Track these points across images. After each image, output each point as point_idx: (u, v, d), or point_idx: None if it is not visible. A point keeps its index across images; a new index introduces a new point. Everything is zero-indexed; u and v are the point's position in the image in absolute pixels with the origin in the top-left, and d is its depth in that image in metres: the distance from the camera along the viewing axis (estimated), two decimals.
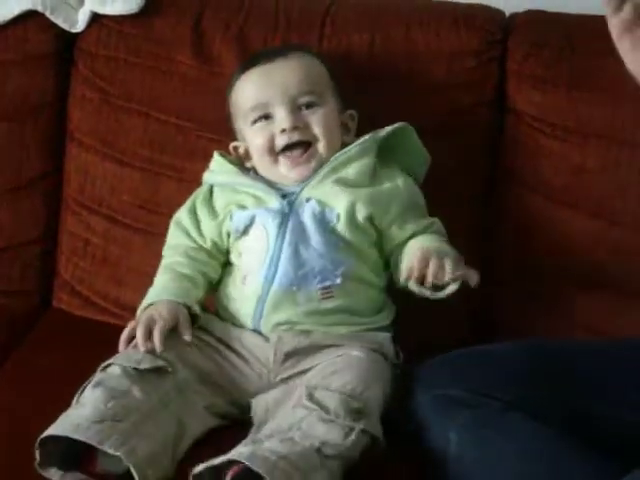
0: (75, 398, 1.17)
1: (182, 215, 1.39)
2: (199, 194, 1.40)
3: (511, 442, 1.12)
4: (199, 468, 1.06)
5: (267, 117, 1.33)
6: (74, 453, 1.09)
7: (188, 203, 1.40)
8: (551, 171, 1.45)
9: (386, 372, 1.25)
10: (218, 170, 1.39)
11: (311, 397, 1.15)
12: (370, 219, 1.31)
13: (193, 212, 1.38)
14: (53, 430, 1.10)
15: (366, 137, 1.35)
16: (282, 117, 1.32)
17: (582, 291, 1.44)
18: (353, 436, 1.10)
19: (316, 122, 1.33)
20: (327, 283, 1.29)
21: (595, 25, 1.49)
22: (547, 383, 1.19)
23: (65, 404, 1.22)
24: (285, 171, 1.34)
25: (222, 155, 1.40)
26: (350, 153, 1.33)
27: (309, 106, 1.33)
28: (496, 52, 1.48)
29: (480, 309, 1.50)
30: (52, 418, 1.19)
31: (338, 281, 1.29)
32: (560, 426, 1.13)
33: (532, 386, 1.18)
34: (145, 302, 1.31)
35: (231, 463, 1.04)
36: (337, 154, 1.33)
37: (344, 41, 1.49)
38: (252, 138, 1.35)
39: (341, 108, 1.38)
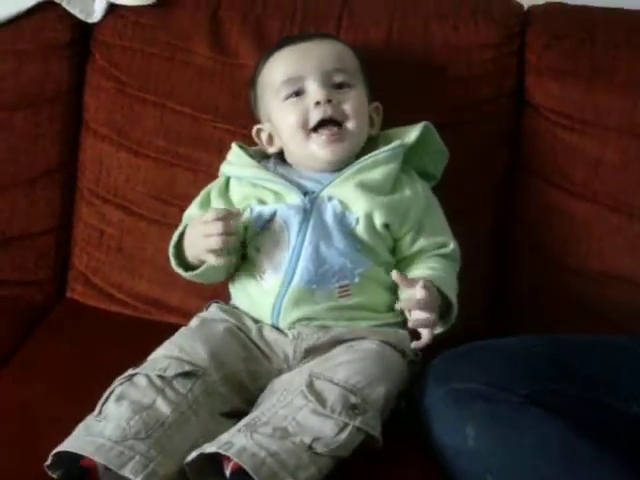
0: (98, 407, 1.13)
1: (192, 209, 1.38)
2: (214, 186, 1.38)
3: (528, 436, 1.10)
4: (192, 456, 1.06)
5: (299, 93, 1.31)
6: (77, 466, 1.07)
7: (199, 198, 1.38)
8: (569, 164, 1.44)
9: (400, 369, 1.24)
10: (236, 162, 1.37)
11: (311, 386, 1.13)
12: (387, 226, 1.30)
13: (205, 204, 1.37)
14: (74, 446, 1.07)
15: (397, 143, 1.32)
16: (315, 90, 1.30)
17: (599, 285, 1.43)
18: (346, 433, 1.09)
19: (348, 101, 1.31)
20: (345, 282, 1.28)
21: (615, 17, 1.50)
22: (565, 377, 1.18)
23: (77, 394, 1.23)
24: (317, 149, 1.31)
25: (240, 147, 1.38)
26: (378, 157, 1.31)
27: (342, 85, 1.32)
28: (514, 45, 1.48)
29: (495, 302, 1.49)
30: (64, 409, 1.20)
31: (356, 280, 1.28)
32: (578, 420, 1.12)
33: (550, 380, 1.17)
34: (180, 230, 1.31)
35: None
36: (365, 156, 1.32)
37: (361, 33, 1.49)
38: (283, 115, 1.33)
39: (369, 100, 1.37)
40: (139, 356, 1.23)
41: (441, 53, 1.47)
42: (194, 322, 1.31)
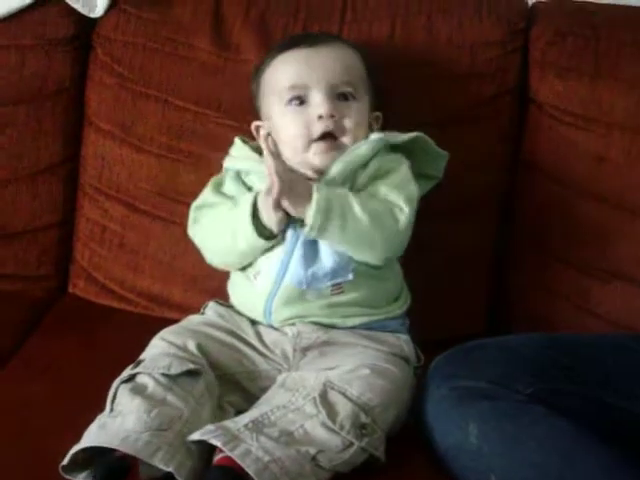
0: (108, 406, 1.13)
1: (206, 196, 1.36)
2: (218, 179, 1.37)
3: (532, 435, 1.10)
4: (195, 437, 1.06)
5: (302, 101, 1.30)
6: (115, 465, 1.06)
7: (209, 187, 1.36)
8: (573, 162, 1.44)
9: (410, 384, 1.23)
10: (238, 155, 1.36)
11: (324, 396, 1.13)
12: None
13: (218, 191, 1.35)
14: (97, 440, 1.06)
15: (378, 135, 1.30)
16: (319, 103, 1.28)
17: (602, 283, 1.43)
18: (350, 452, 1.09)
19: (349, 115, 1.29)
20: (338, 280, 1.27)
21: (620, 15, 1.49)
22: (567, 376, 1.18)
23: (79, 390, 1.23)
24: (312, 157, 1.29)
25: (244, 141, 1.37)
26: (359, 150, 1.29)
27: (346, 98, 1.30)
28: (519, 42, 1.47)
29: (497, 301, 1.49)
30: (66, 404, 1.20)
31: (350, 277, 1.27)
32: (581, 419, 1.12)
33: (553, 379, 1.17)
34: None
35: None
36: (349, 153, 1.29)
37: (364, 29, 1.48)
38: (285, 122, 1.31)
39: (371, 107, 1.35)
40: (141, 353, 1.23)
41: (445, 50, 1.46)
42: (184, 323, 1.31)
